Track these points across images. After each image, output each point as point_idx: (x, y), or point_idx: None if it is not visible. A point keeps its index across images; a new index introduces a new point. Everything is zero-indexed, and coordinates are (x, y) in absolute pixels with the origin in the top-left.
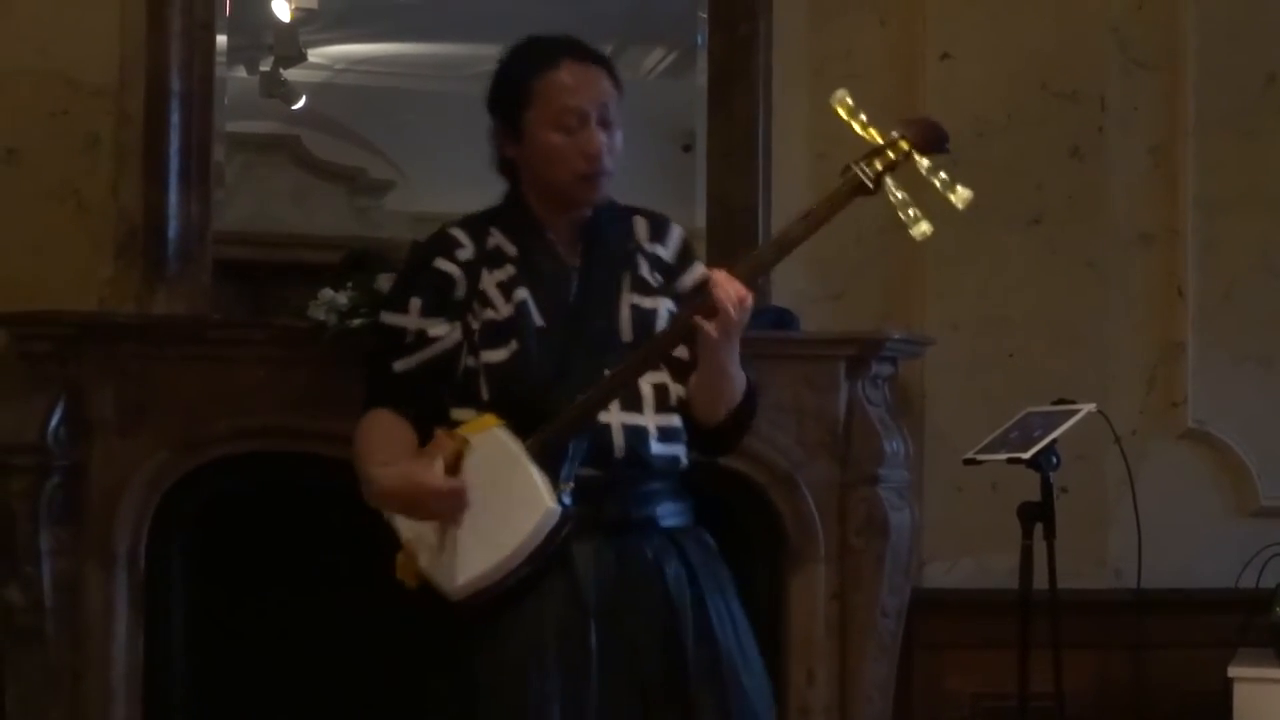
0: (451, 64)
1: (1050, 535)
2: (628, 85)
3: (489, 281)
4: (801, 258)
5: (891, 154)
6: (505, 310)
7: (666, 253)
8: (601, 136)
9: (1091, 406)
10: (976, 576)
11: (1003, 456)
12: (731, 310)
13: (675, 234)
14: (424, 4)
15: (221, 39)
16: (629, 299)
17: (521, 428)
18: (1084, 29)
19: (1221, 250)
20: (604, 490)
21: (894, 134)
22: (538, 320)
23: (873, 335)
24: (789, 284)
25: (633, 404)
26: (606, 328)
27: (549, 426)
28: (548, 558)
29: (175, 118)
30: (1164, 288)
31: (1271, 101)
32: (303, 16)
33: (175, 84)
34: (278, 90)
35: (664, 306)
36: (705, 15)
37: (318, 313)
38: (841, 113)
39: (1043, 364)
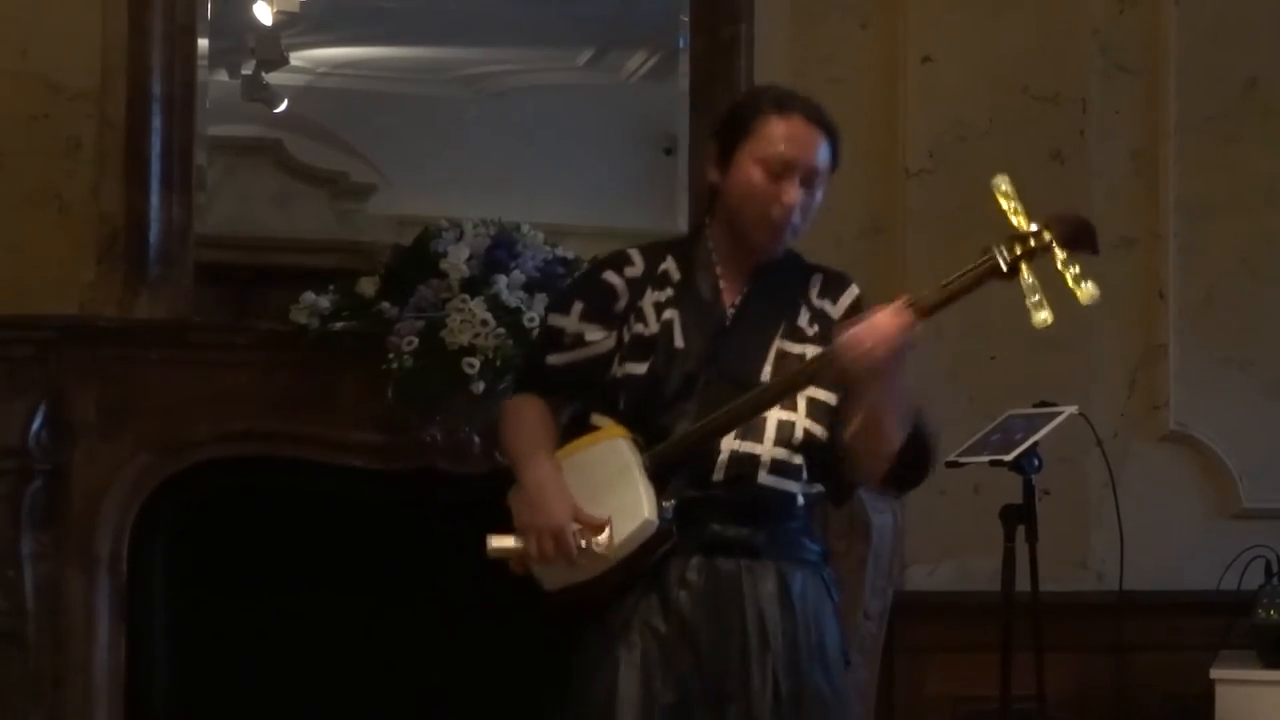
0: (434, 67)
1: (1032, 538)
2: (609, 88)
3: (649, 300)
4: None
5: (1034, 242)
6: (653, 327)
7: (834, 309)
8: (799, 192)
9: (1073, 409)
10: (959, 579)
11: (985, 459)
12: (867, 344)
13: (849, 294)
14: (406, 7)
15: (203, 42)
16: (779, 344)
17: (647, 442)
18: (1065, 32)
19: (1203, 253)
20: (704, 510)
21: (1041, 226)
22: (679, 341)
23: None
24: None
25: (752, 433)
26: (747, 366)
27: (667, 445)
28: (643, 569)
29: (157, 121)
30: (1145, 291)
31: (1252, 105)
32: (284, 20)
33: (157, 87)
34: (259, 94)
35: (812, 355)
36: (687, 18)
37: (300, 316)
38: (1000, 197)
39: (1024, 367)
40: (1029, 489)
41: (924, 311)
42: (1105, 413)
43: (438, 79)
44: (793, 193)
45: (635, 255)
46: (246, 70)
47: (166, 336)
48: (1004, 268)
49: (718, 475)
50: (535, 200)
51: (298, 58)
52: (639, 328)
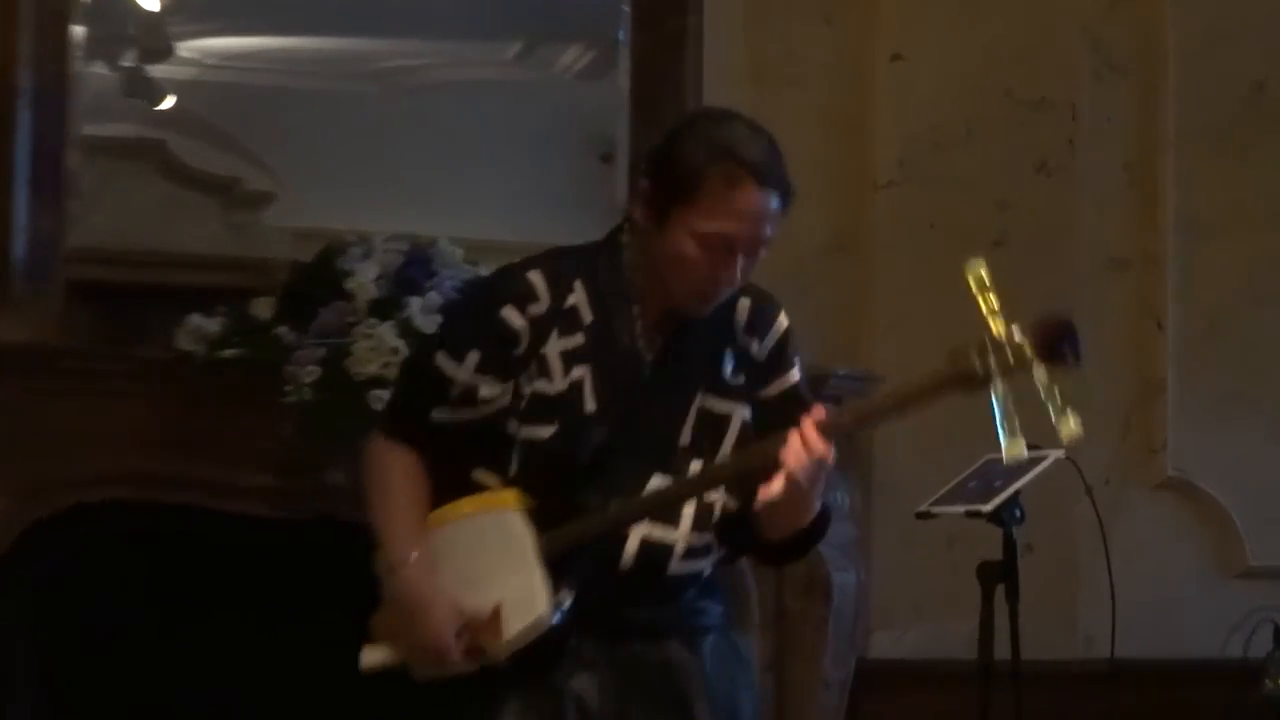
0: (342, 60)
1: (1013, 598)
2: (539, 86)
3: (554, 347)
4: None
5: (1011, 356)
6: (559, 384)
7: (760, 351)
8: (740, 264)
9: (1060, 453)
10: (930, 645)
11: (960, 509)
12: (801, 478)
13: (776, 329)
14: None
15: (78, 30)
16: (701, 400)
17: (543, 517)
18: (1052, 29)
19: (1205, 278)
20: (607, 597)
21: (1021, 334)
22: (589, 404)
23: (812, 371)
24: None
25: (667, 517)
26: (666, 428)
27: (570, 527)
28: (529, 662)
29: (24, 118)
30: (1141, 319)
31: (1260, 112)
32: (171, 5)
33: (24, 80)
34: (142, 89)
35: (739, 414)
36: (628, 9)
37: (185, 342)
38: (972, 284)
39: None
40: (1010, 543)
41: (853, 425)
42: (1095, 457)
43: (346, 73)
44: (730, 272)
45: (538, 283)
46: (127, 62)
47: (32, 364)
48: (978, 378)
49: (625, 563)
50: (455, 213)
51: (185, 48)
52: (541, 384)
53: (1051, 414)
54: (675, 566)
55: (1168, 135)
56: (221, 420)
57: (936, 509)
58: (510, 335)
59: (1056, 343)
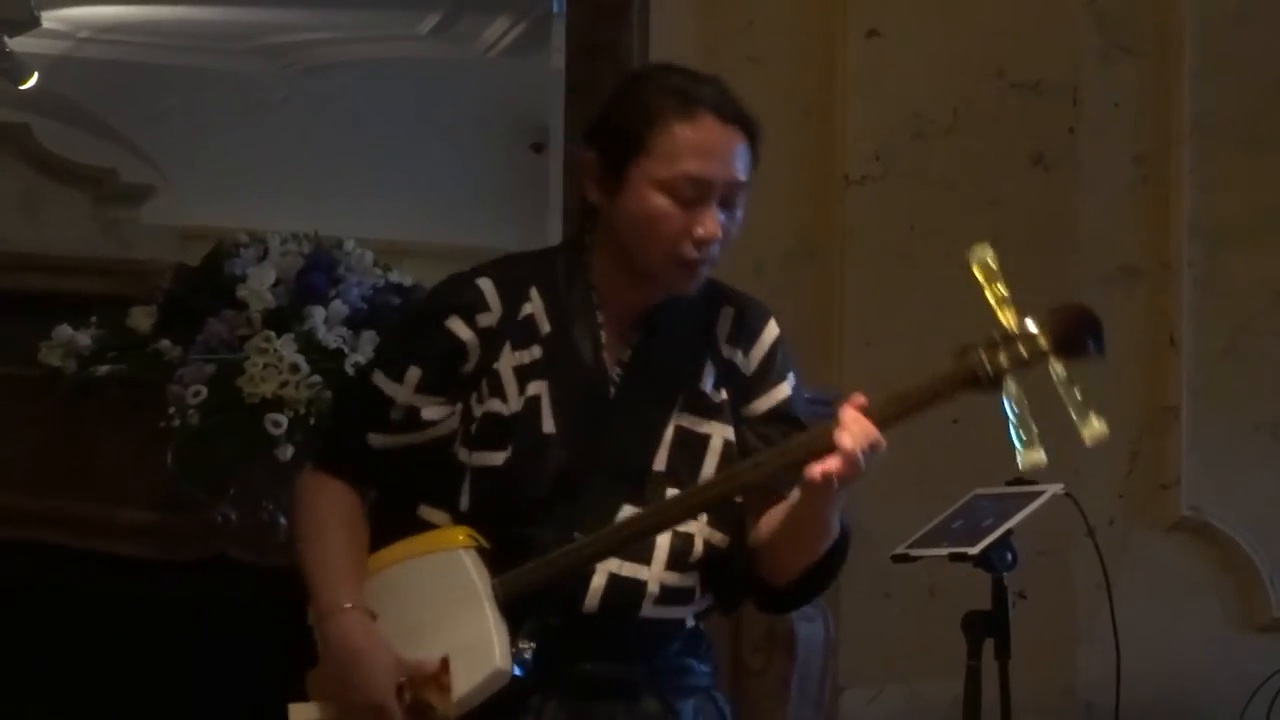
0: (231, 34)
1: (1003, 654)
2: (459, 65)
3: (507, 362)
4: None
5: (1024, 349)
6: (514, 404)
7: (746, 362)
8: (720, 218)
9: (1058, 488)
10: (908, 708)
11: (943, 551)
12: (861, 461)
13: (766, 339)
14: None
15: None
16: (677, 421)
17: (499, 557)
18: (1052, 2)
19: (1224, 290)
20: (570, 645)
21: (1034, 325)
22: (548, 425)
23: None
24: None
25: (637, 552)
26: (637, 452)
27: (529, 567)
28: (485, 716)
29: None
30: (1152, 337)
31: None
32: None
33: None
34: (2, 65)
35: (720, 434)
36: None
37: (52, 357)
38: (977, 271)
39: (996, 432)
40: (1000, 591)
41: (882, 426)
42: (1099, 493)
43: (235, 49)
44: (711, 221)
45: (488, 290)
46: None
47: None
48: (985, 380)
49: (590, 604)
50: (363, 209)
51: (51, 18)
52: (494, 404)
53: (1072, 413)
54: (649, 610)
55: (1182, 125)
56: (94, 448)
57: (916, 551)
58: (457, 349)
59: (1075, 333)
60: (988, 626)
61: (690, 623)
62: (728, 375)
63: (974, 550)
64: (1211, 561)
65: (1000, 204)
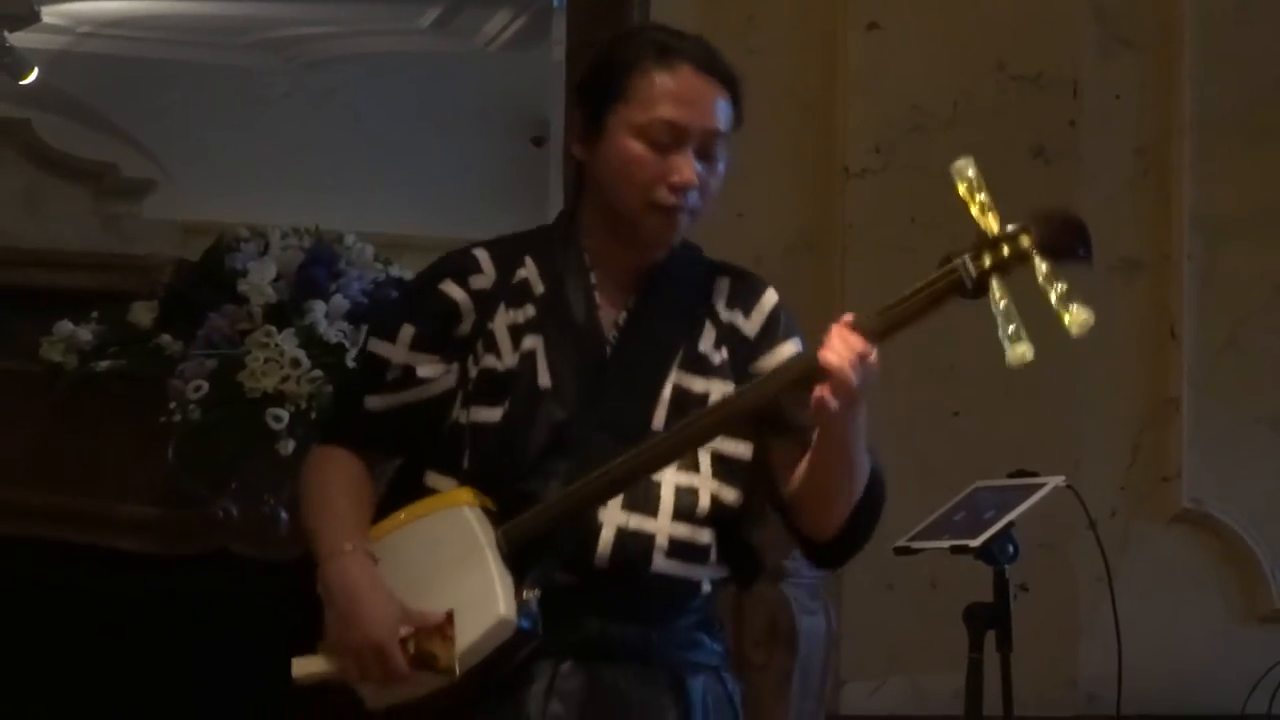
0: (232, 28)
1: (1005, 647)
2: (460, 59)
3: (502, 321)
4: None
5: (1007, 249)
6: (509, 360)
7: (747, 324)
8: (698, 168)
9: (1059, 480)
10: (910, 700)
11: (945, 544)
12: (852, 378)
13: (765, 302)
14: None
15: None
16: (676, 378)
17: (503, 515)
18: None
19: (1225, 281)
20: (581, 603)
21: (1017, 226)
22: (544, 380)
23: None
24: None
25: (642, 504)
26: (635, 410)
27: (530, 514)
28: (496, 678)
29: None
30: (1153, 329)
31: None
32: None
33: None
34: (3, 60)
35: (719, 393)
36: None
37: (54, 353)
38: (960, 186)
39: (997, 425)
40: (1001, 584)
41: (872, 339)
42: (1100, 485)
43: (235, 44)
44: (687, 167)
45: (483, 257)
46: None
47: None
48: (969, 284)
49: (600, 560)
50: (363, 204)
51: (52, 13)
52: (490, 360)
53: (1053, 302)
54: (660, 564)
55: (1184, 118)
56: (95, 444)
57: (917, 544)
58: (450, 310)
59: (1062, 237)
60: (989, 619)
61: (705, 589)
62: (728, 336)
63: (975, 543)
64: (1213, 553)
65: (1001, 197)
